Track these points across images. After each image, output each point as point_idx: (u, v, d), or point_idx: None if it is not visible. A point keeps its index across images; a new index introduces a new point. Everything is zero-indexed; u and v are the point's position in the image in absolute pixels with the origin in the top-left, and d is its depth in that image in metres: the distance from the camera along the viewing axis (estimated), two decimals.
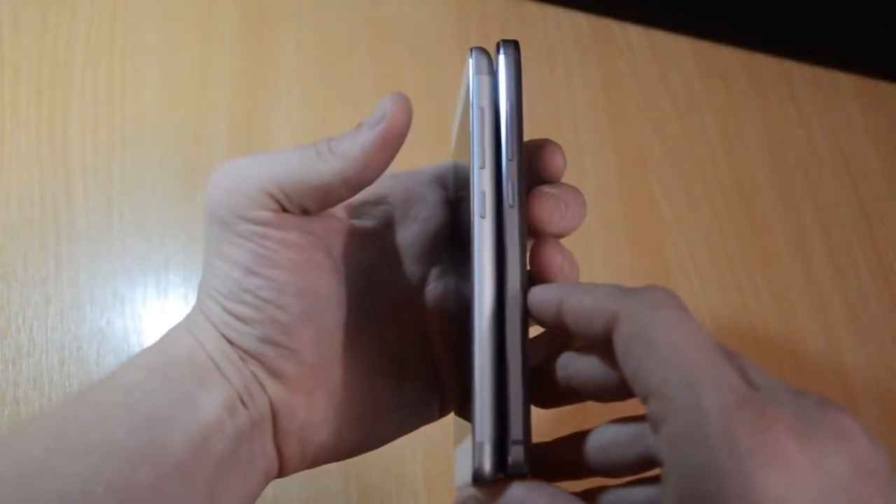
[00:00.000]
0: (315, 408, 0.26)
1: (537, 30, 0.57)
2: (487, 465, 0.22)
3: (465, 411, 0.24)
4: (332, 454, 0.27)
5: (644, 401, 0.19)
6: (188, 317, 0.26)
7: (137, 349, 0.36)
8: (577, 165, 0.52)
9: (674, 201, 0.52)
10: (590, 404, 0.24)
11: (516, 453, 0.22)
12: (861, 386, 0.47)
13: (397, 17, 0.55)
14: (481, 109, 0.23)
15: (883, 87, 0.58)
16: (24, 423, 0.24)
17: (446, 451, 0.41)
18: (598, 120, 0.54)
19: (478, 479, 0.22)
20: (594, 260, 0.48)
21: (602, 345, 0.21)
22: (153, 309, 0.44)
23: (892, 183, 0.54)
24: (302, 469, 0.27)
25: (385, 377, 0.28)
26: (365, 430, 0.27)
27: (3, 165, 0.47)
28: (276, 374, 0.25)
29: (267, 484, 0.26)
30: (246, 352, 0.25)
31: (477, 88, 0.24)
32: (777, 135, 0.55)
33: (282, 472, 0.26)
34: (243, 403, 0.24)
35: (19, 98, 0.49)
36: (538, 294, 0.23)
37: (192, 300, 0.34)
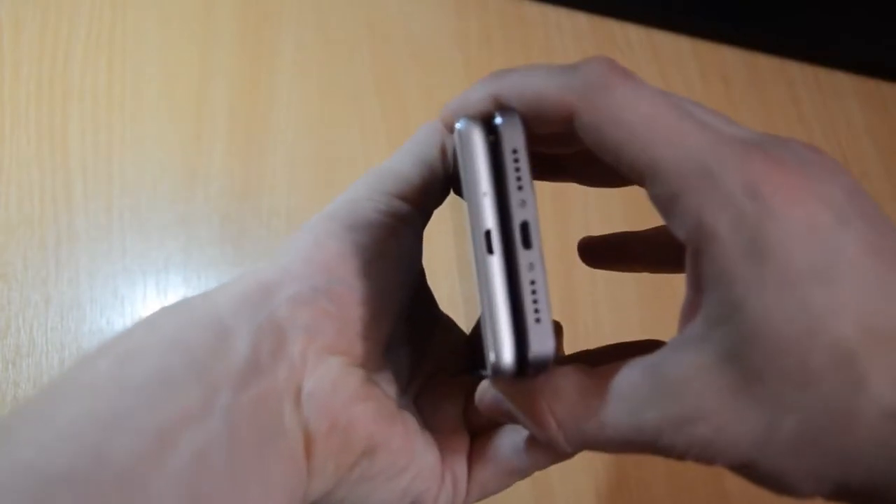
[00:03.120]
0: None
1: (537, 30, 0.57)
2: (507, 356, 0.20)
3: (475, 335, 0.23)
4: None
5: (641, 184, 0.19)
6: None
7: None
8: None
9: None
10: None
11: (539, 339, 0.20)
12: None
13: (397, 17, 0.55)
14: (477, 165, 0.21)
15: (883, 87, 0.58)
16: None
17: None
18: None
19: (497, 372, 0.20)
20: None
21: (563, 131, 0.20)
22: (153, 309, 0.44)
23: (892, 183, 0.54)
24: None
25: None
26: None
27: (3, 165, 0.47)
28: None
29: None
30: None
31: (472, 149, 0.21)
32: (777, 135, 0.55)
33: None
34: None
35: (19, 98, 0.49)
36: (473, 93, 0.22)
37: None
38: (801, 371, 0.17)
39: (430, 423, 0.26)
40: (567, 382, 0.21)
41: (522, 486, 0.42)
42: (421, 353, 0.27)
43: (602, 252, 0.29)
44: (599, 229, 0.37)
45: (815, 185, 0.18)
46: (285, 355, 0.22)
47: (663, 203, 0.19)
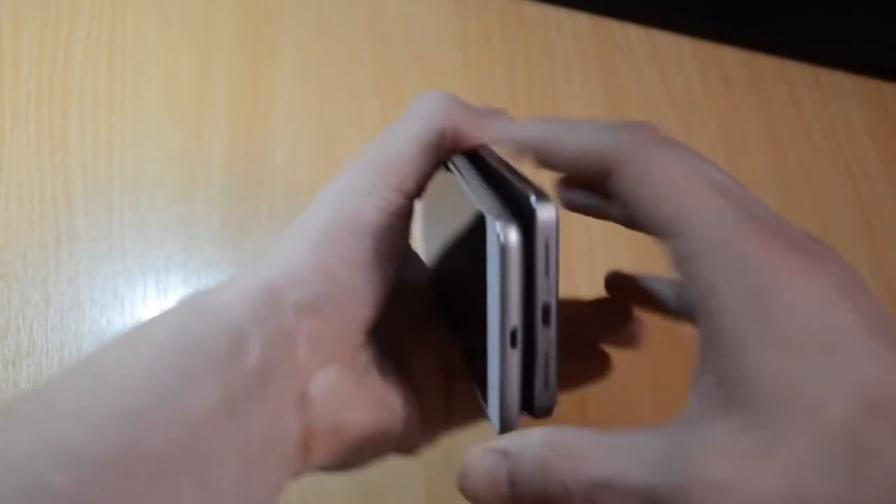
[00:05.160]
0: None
1: (537, 30, 0.57)
2: (514, 422, 0.22)
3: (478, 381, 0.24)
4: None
5: (662, 238, 0.21)
6: None
7: None
8: None
9: None
10: (590, 403, 0.24)
11: (544, 398, 0.22)
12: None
13: (397, 17, 0.55)
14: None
15: (883, 87, 0.58)
16: None
17: (446, 451, 0.41)
18: None
19: (506, 426, 0.22)
20: (595, 260, 0.48)
21: (595, 181, 0.22)
22: (153, 309, 0.44)
23: (892, 183, 0.54)
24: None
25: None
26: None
27: (3, 165, 0.47)
28: None
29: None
30: None
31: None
32: (777, 135, 0.55)
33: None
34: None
35: (19, 98, 0.49)
36: (519, 130, 0.23)
37: None
38: (813, 441, 0.17)
39: (410, 376, 0.27)
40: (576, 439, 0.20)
41: None
42: (397, 292, 0.28)
43: (627, 290, 0.31)
44: (600, 229, 0.37)
45: (823, 267, 0.19)
46: (292, 364, 0.23)
47: (681, 261, 0.20)
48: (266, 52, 0.53)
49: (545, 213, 0.21)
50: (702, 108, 0.55)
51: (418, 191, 0.26)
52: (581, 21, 0.57)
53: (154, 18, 0.53)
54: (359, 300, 0.24)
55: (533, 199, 0.21)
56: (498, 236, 0.21)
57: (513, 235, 0.21)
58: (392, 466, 0.42)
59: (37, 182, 0.47)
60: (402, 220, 0.26)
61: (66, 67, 0.50)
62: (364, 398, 0.25)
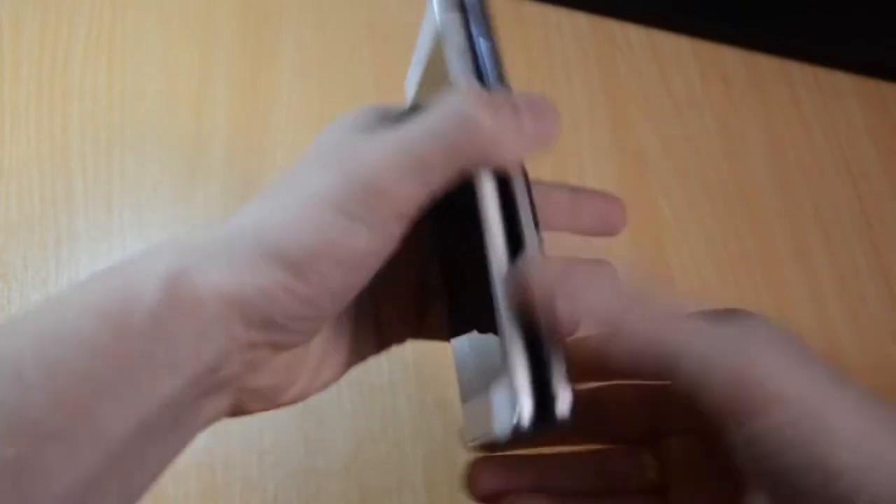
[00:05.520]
0: None
1: (537, 30, 0.57)
2: (527, 415, 0.19)
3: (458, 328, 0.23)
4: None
5: (666, 376, 0.21)
6: None
7: None
8: (577, 165, 0.52)
9: (674, 201, 0.52)
10: None
11: (563, 401, 0.19)
12: (861, 386, 0.47)
13: (397, 17, 0.55)
14: None
15: (883, 87, 0.58)
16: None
17: (446, 451, 0.41)
18: (598, 120, 0.54)
19: (517, 433, 0.19)
20: None
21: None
22: None
23: (892, 183, 0.54)
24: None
25: None
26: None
27: (3, 165, 0.47)
28: None
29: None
30: None
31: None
32: (777, 135, 0.55)
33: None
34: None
35: (19, 98, 0.49)
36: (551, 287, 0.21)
37: None
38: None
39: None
40: None
41: None
42: None
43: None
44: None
45: (805, 363, 0.21)
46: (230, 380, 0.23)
47: (686, 388, 0.20)
48: (266, 52, 0.53)
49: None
50: (702, 108, 0.55)
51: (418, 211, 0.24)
52: (581, 21, 0.57)
53: (154, 18, 0.53)
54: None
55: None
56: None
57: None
58: (392, 466, 0.42)
59: (37, 182, 0.47)
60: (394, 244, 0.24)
61: (66, 67, 0.50)
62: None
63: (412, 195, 0.21)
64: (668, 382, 0.21)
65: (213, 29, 0.53)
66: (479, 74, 0.22)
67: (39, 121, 0.48)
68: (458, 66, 0.22)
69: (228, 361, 0.22)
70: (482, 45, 0.22)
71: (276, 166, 0.49)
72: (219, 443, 0.41)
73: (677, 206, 0.51)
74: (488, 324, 0.21)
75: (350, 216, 0.20)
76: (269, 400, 0.25)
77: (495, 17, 0.23)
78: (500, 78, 0.22)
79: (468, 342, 0.24)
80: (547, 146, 0.22)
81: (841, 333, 0.49)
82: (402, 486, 0.41)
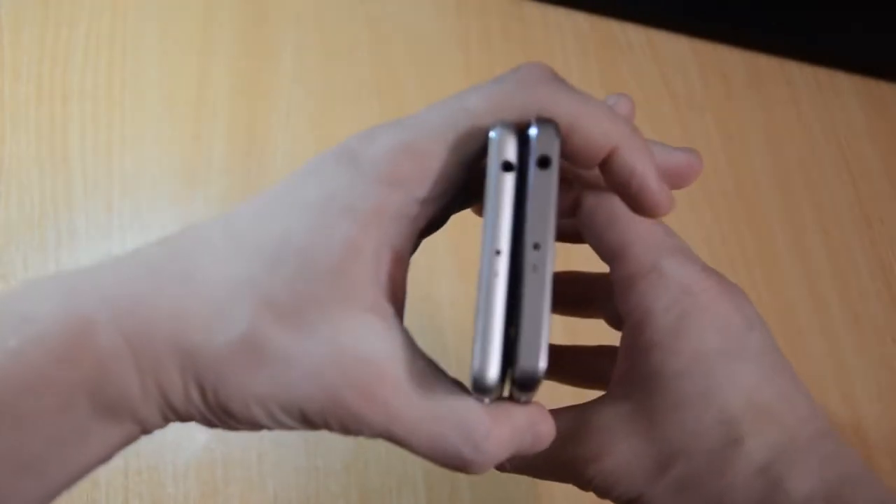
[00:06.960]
0: None
1: (537, 30, 0.57)
2: (492, 370, 0.19)
3: None
4: None
5: (610, 263, 0.24)
6: None
7: None
8: None
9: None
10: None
11: (529, 356, 0.18)
12: (861, 386, 0.47)
13: (397, 17, 0.55)
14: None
15: (883, 87, 0.58)
16: None
17: None
18: None
19: (479, 387, 0.19)
20: (595, 260, 0.48)
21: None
22: None
23: (892, 183, 0.54)
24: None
25: None
26: None
27: (3, 165, 0.47)
28: None
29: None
30: None
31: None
32: (777, 135, 0.55)
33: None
34: None
35: (19, 98, 0.49)
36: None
37: None
38: (693, 423, 0.22)
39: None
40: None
41: (524, 483, 0.42)
42: None
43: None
44: None
45: (734, 298, 0.23)
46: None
47: (621, 281, 0.24)
48: (266, 52, 0.53)
49: (545, 130, 0.21)
50: (702, 108, 0.55)
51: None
52: (581, 21, 0.57)
53: (154, 19, 0.53)
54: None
55: (533, 125, 0.21)
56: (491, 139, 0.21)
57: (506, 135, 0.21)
58: (392, 466, 0.42)
59: (37, 182, 0.47)
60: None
61: (66, 67, 0.50)
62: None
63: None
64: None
65: (213, 29, 0.53)
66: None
67: (39, 121, 0.48)
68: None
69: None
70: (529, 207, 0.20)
71: (276, 167, 0.49)
72: (219, 443, 0.41)
73: (677, 206, 0.51)
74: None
75: None
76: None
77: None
78: (537, 246, 0.20)
79: None
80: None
81: (841, 333, 0.49)
82: (402, 486, 0.41)
